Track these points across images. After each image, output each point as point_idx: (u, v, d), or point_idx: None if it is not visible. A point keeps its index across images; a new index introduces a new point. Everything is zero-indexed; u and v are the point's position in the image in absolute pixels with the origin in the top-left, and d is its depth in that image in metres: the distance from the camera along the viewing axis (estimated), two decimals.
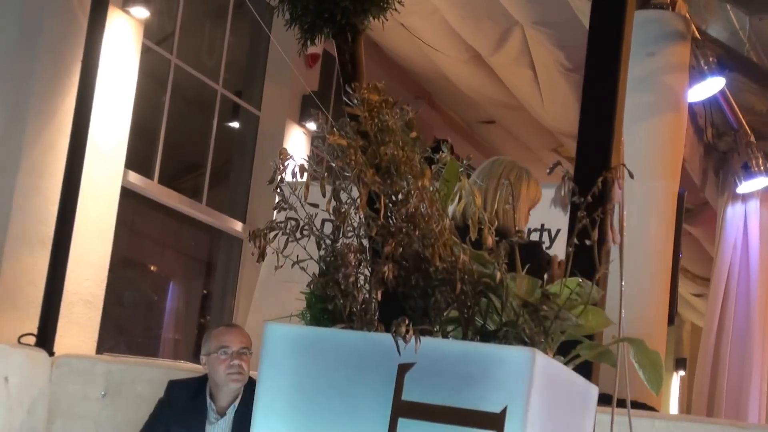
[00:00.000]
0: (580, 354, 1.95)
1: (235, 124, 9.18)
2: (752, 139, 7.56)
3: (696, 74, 6.22)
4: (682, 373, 17.14)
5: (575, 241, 2.01)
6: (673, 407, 17.61)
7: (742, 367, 7.34)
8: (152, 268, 8.71)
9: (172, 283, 8.86)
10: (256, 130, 9.01)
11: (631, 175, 2.03)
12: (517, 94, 9.03)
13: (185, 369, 4.78)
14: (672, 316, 5.99)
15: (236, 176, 8.84)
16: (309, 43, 2.11)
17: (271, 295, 5.98)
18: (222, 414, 4.26)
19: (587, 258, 2.02)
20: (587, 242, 1.99)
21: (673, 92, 5.88)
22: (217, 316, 8.70)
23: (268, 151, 8.79)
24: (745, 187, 7.44)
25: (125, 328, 8.00)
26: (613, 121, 2.12)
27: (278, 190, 1.97)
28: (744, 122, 7.49)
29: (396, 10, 2.46)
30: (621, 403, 5.36)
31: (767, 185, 7.52)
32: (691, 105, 6.85)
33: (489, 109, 10.73)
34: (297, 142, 8.87)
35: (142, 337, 8.48)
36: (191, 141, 8.74)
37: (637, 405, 5.25)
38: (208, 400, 4.29)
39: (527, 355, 1.68)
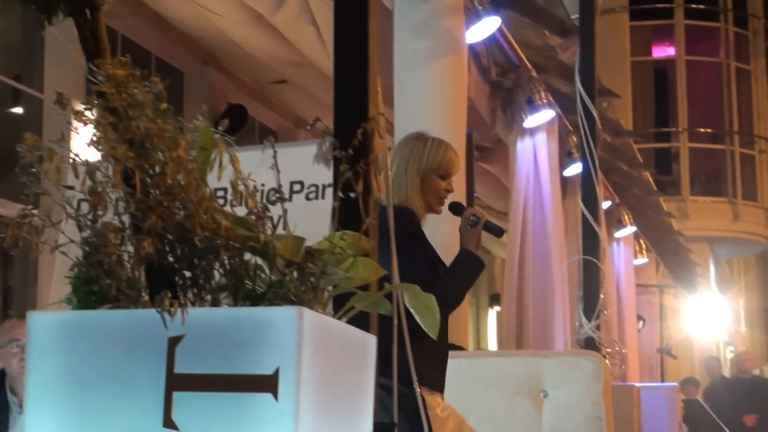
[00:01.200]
0: (355, 306, 1.98)
1: (18, 110, 8.90)
2: (534, 73, 7.77)
3: (472, 15, 6.33)
4: (497, 308, 17.67)
5: (340, 194, 2.04)
6: (492, 343, 18.16)
7: (545, 297, 7.59)
8: None
9: None
10: (41, 113, 8.76)
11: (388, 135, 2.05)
12: (303, 52, 9.03)
13: None
14: None
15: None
16: (47, 22, 2.05)
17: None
18: None
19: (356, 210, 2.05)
20: (352, 195, 2.03)
21: (451, 35, 5.98)
22: (21, 307, 8.46)
23: (56, 134, 8.56)
24: (531, 121, 7.65)
25: None
26: (367, 71, 2.14)
27: (30, 176, 1.92)
28: (524, 58, 7.68)
29: None
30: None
31: (552, 117, 7.74)
32: (472, 46, 6.98)
33: (278, 68, 10.72)
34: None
35: None
36: None
37: (452, 347, 5.38)
38: (9, 394, 4.20)
39: (293, 314, 1.69)
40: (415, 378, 3.66)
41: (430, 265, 3.98)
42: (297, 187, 5.59)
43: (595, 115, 4.55)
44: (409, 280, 3.80)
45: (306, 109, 12.12)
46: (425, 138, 4.16)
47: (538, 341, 7.35)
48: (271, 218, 1.95)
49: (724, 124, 21.92)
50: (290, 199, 6.11)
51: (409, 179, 4.05)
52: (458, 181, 5.95)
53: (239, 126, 10.66)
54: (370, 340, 1.99)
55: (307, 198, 5.37)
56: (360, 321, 2.01)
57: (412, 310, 2.11)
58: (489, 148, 9.60)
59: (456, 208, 4.16)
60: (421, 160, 4.06)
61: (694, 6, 22.65)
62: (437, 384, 3.90)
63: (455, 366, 4.26)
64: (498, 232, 4.07)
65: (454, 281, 3.97)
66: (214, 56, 11.29)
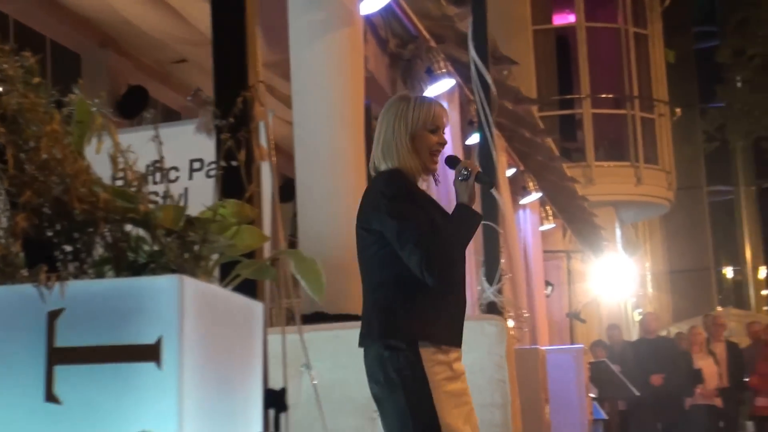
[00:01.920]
0: (240, 273, 1.98)
1: None
2: (432, 44, 7.79)
3: None
4: None
5: (223, 163, 2.03)
6: None
7: None
8: None
9: None
10: None
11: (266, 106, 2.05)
12: (202, 30, 8.94)
13: None
14: None
15: None
16: None
17: None
18: None
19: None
20: (234, 163, 2.02)
21: (344, 6, 5.97)
22: None
23: None
24: (431, 90, 7.67)
25: None
26: (245, 40, 2.13)
27: None
28: (422, 28, 7.70)
29: None
30: (340, 318, 5.46)
31: (452, 86, 7.78)
32: (369, 18, 6.98)
33: (178, 47, 10.59)
34: None
35: None
36: None
37: (351, 317, 5.40)
38: None
39: (174, 283, 1.69)
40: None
41: (427, 220, 3.99)
42: (197, 165, 5.57)
43: (489, 80, 4.59)
44: (407, 239, 3.87)
45: (208, 88, 12.00)
46: (408, 98, 4.21)
47: None
48: (157, 192, 1.94)
49: (625, 90, 22.27)
50: (190, 177, 6.07)
51: (399, 141, 4.08)
52: (357, 152, 5.98)
53: (141, 107, 10.55)
54: (257, 307, 1.99)
55: (208, 175, 5.35)
56: (247, 289, 2.01)
57: (296, 275, 2.12)
58: None
59: (451, 162, 4.21)
60: (407, 119, 4.09)
61: None
62: (448, 339, 3.97)
63: (355, 336, 4.27)
64: (489, 183, 4.11)
65: (451, 235, 3.99)
66: (111, 38, 11.11)
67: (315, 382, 3.45)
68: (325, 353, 4.18)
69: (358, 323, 4.42)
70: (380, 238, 3.97)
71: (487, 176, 4.09)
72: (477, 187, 4.02)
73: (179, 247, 1.82)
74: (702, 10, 38.48)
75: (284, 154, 6.76)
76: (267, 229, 2.14)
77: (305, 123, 5.87)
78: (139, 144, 1.94)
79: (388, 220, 3.94)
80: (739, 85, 25.17)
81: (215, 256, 1.92)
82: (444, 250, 3.95)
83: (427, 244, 3.89)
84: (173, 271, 1.79)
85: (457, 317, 4.07)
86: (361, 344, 3.95)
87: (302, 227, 5.90)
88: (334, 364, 4.12)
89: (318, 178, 5.85)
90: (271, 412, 1.97)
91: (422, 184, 4.21)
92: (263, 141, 2.15)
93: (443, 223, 4.03)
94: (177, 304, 1.66)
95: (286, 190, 6.15)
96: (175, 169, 5.80)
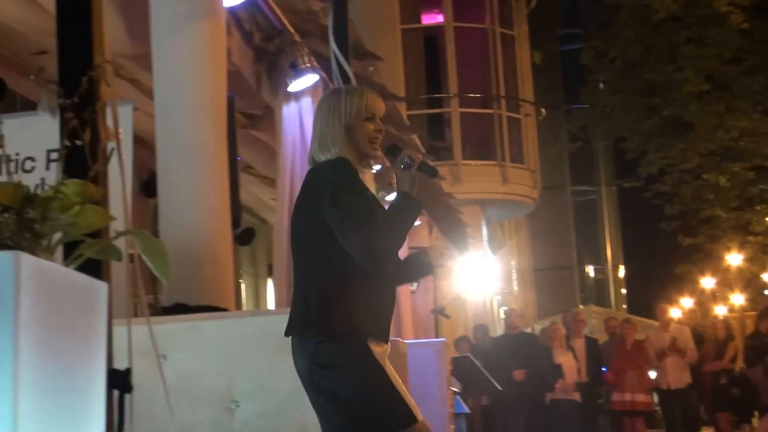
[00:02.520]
0: (84, 253, 1.96)
1: None
2: (297, 38, 7.79)
3: None
4: None
5: (67, 142, 2.01)
6: None
7: None
8: None
9: None
10: None
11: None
12: None
13: None
14: (237, 219, 6.15)
15: None
16: None
17: None
18: None
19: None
20: (78, 143, 2.00)
21: None
22: None
23: None
24: (295, 85, 7.66)
25: None
26: (90, 19, 2.11)
27: None
28: (286, 23, 7.70)
29: None
30: (201, 309, 5.41)
31: (316, 81, 7.78)
32: (234, 11, 6.95)
33: (38, 39, 10.37)
34: None
35: None
36: None
37: (211, 308, 5.37)
38: None
39: (9, 260, 1.67)
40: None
41: (368, 209, 4.02)
42: (54, 155, 5.45)
43: (350, 73, 4.62)
44: (349, 225, 3.91)
45: None
46: (339, 90, 4.29)
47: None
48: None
49: (492, 89, 22.59)
50: (47, 167, 5.95)
51: (334, 133, 4.12)
52: (219, 145, 5.94)
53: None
54: (100, 287, 1.97)
55: None
56: (91, 269, 1.99)
57: (143, 256, 2.11)
58: (258, 115, 9.59)
59: (391, 151, 4.22)
60: (339, 111, 4.14)
61: None
62: (375, 333, 4.01)
63: (218, 327, 4.27)
64: (432, 172, 4.15)
65: (390, 223, 4.03)
66: None
67: (164, 374, 3.43)
68: (184, 344, 4.16)
69: (218, 314, 4.41)
70: (322, 226, 4.00)
71: (430, 165, 4.17)
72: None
73: (17, 223, 1.79)
74: (567, 12, 39.29)
75: (149, 147, 6.68)
76: (117, 211, 2.12)
77: (166, 115, 5.82)
78: None
79: (332, 207, 3.98)
80: (601, 86, 25.78)
81: (58, 236, 1.90)
82: (384, 236, 3.99)
83: (368, 230, 3.94)
84: (9, 248, 1.77)
85: (386, 313, 4.12)
86: (288, 333, 3.97)
87: (163, 220, 5.84)
88: (193, 355, 4.11)
89: (179, 170, 5.80)
90: (116, 393, 1.95)
91: (363, 176, 4.23)
92: (110, 122, 2.13)
93: (383, 212, 4.08)
94: (13, 280, 1.64)
95: (152, 185, 6.09)
96: (31, 159, 5.68)
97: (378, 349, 4.03)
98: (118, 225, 2.09)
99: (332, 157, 4.08)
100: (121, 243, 1.99)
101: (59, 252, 1.93)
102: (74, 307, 1.87)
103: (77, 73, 2.06)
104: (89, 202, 1.96)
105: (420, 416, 4.00)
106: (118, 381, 1.93)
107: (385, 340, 4.08)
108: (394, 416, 3.97)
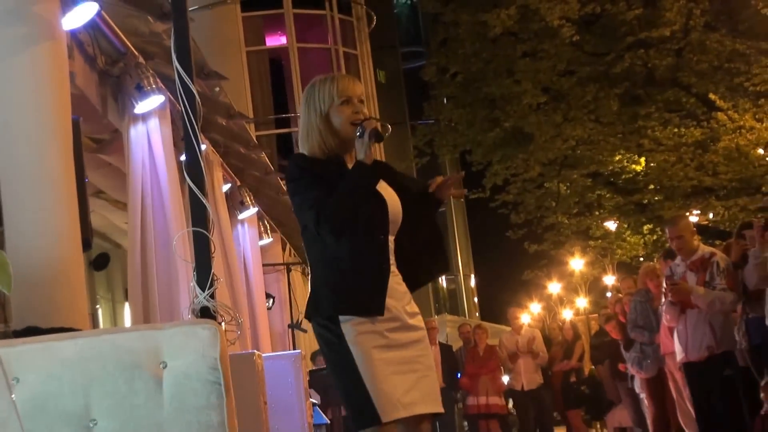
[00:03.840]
0: None
1: None
2: (141, 60, 7.73)
3: (69, 1, 6.22)
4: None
5: None
6: None
7: (170, 280, 7.61)
8: None
9: None
10: None
11: None
12: None
13: None
14: (88, 241, 6.07)
15: None
16: None
17: None
18: None
19: None
20: None
21: (46, 21, 5.84)
22: None
23: None
24: (142, 107, 7.60)
25: None
26: None
27: None
28: (130, 45, 7.63)
29: None
30: (54, 331, 5.29)
31: (162, 102, 7.74)
32: (75, 34, 6.85)
33: None
34: None
35: None
36: None
37: (65, 330, 5.27)
38: None
39: None
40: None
41: (326, 189, 4.20)
42: None
43: (193, 89, 4.60)
44: (304, 209, 4.18)
45: None
46: (313, 83, 4.41)
47: (166, 315, 7.37)
48: None
49: None
50: None
51: (314, 124, 4.30)
52: (66, 167, 5.83)
53: None
54: None
55: None
56: None
57: None
58: (106, 139, 9.45)
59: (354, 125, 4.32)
60: (315, 101, 4.30)
61: None
62: (369, 309, 4.14)
63: (72, 346, 4.20)
64: (377, 136, 4.24)
65: (344, 190, 4.19)
66: None
67: (13, 397, 3.37)
68: (38, 366, 4.08)
69: (70, 334, 4.35)
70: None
71: (380, 133, 4.27)
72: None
73: None
74: (408, 32, 39.86)
75: None
76: None
77: (8, 139, 5.68)
78: None
79: (292, 201, 4.31)
80: (444, 101, 26.21)
81: None
82: (337, 204, 4.14)
83: (320, 204, 4.13)
84: None
85: (379, 286, 4.16)
86: (306, 317, 4.36)
87: (10, 246, 5.70)
88: (48, 376, 4.03)
89: (26, 193, 5.68)
90: None
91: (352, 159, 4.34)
92: None
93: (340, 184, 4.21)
94: None
95: None
96: None
97: (384, 325, 4.14)
98: None
99: (307, 150, 4.31)
100: None
101: None
102: None
103: None
104: None
105: (394, 415, 4.06)
106: None
107: (378, 312, 4.16)
108: (361, 416, 4.10)
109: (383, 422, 4.06)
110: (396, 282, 4.29)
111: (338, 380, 4.21)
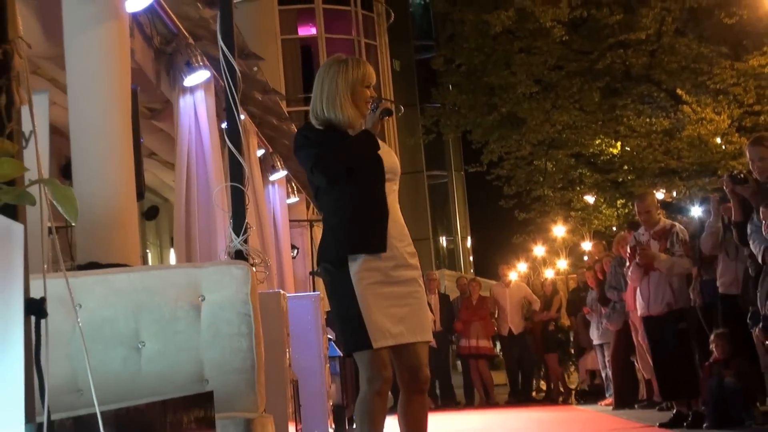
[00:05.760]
0: (2, 198, 1.94)
1: None
2: (191, 41, 7.73)
3: None
4: None
5: None
6: None
7: (209, 231, 7.64)
8: None
9: None
10: None
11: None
12: None
13: None
14: (141, 193, 6.10)
15: None
16: None
17: None
18: None
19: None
20: None
21: (112, 4, 5.85)
22: None
23: None
24: (190, 80, 7.61)
25: None
26: (3, 4, 2.07)
27: None
28: (182, 28, 7.62)
29: None
30: (110, 266, 5.30)
31: (208, 77, 7.74)
32: (136, 17, 6.84)
33: None
34: None
35: None
36: None
37: (120, 265, 5.28)
38: None
39: None
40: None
41: (327, 149, 4.22)
42: None
43: (236, 66, 4.60)
44: (307, 163, 4.19)
45: None
46: (345, 59, 4.39)
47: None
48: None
49: None
50: None
51: (341, 95, 4.27)
52: (126, 128, 5.84)
53: None
54: (17, 228, 1.94)
55: None
56: (9, 212, 1.97)
57: (54, 202, 2.08)
58: (159, 108, 9.44)
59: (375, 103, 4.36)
60: (347, 77, 4.27)
61: None
62: (373, 247, 4.14)
63: (126, 279, 4.21)
64: (387, 113, 4.31)
65: (345, 146, 4.23)
66: None
67: (79, 320, 3.40)
68: (97, 294, 4.11)
69: (124, 269, 4.37)
70: None
71: (390, 111, 4.39)
72: None
73: None
74: (420, 27, 39.70)
75: (65, 137, 6.53)
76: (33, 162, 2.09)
77: (78, 105, 5.71)
78: None
79: (298, 156, 4.31)
80: (450, 88, 26.09)
81: None
82: (336, 155, 4.18)
83: (319, 156, 4.16)
84: None
85: (380, 227, 4.18)
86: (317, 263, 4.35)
87: (77, 191, 5.71)
88: (105, 303, 4.05)
89: (90, 152, 5.71)
90: (32, 319, 1.93)
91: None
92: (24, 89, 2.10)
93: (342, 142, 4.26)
94: None
95: (68, 169, 5.99)
96: None
97: (388, 263, 4.16)
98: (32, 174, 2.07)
99: (332, 116, 4.28)
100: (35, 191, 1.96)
101: None
102: None
103: None
104: (5, 156, 1.93)
105: (384, 342, 4.09)
106: (34, 308, 1.91)
107: (381, 249, 4.16)
108: (355, 341, 4.11)
109: (374, 348, 4.10)
110: (399, 225, 4.29)
111: (337, 308, 4.21)
